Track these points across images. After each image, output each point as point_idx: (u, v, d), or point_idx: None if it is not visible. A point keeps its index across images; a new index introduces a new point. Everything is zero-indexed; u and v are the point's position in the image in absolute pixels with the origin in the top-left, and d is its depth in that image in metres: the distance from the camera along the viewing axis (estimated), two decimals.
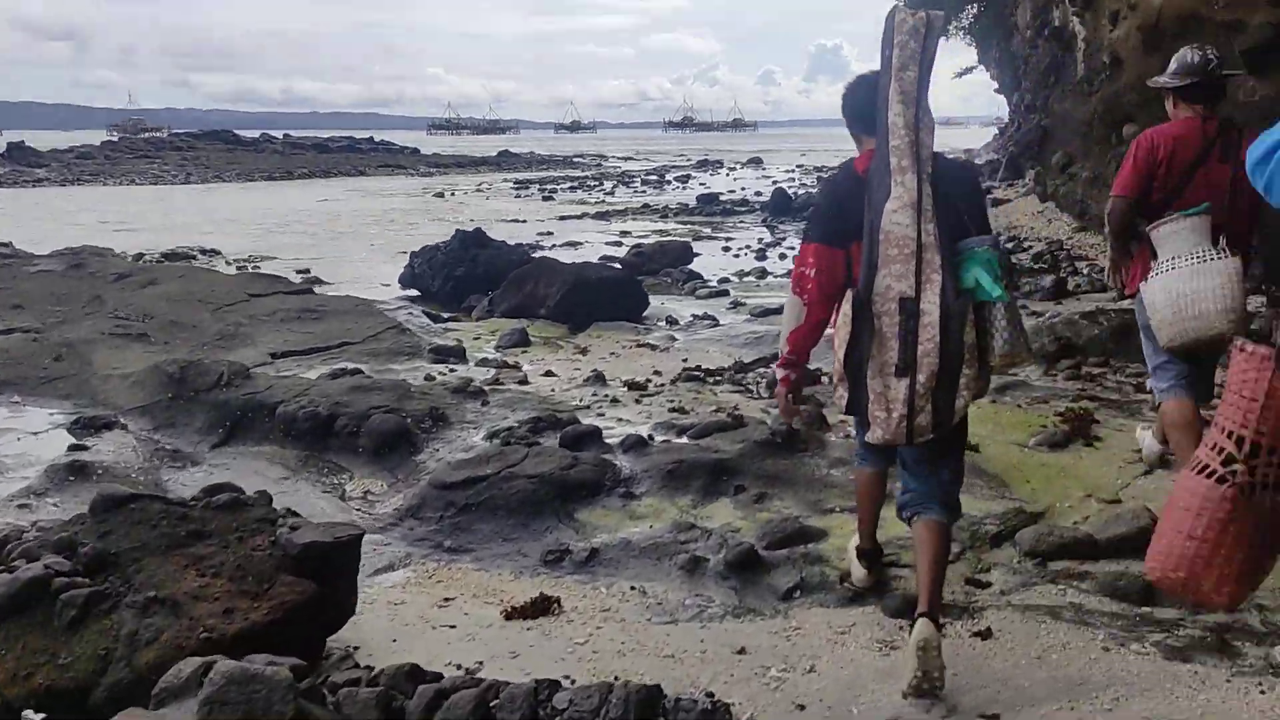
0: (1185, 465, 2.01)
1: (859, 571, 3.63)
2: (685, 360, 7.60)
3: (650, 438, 5.14)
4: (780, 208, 22.57)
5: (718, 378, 6.89)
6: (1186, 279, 3.79)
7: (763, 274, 13.80)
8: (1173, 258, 3.85)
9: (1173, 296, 3.83)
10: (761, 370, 7.05)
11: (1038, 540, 3.84)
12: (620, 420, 5.64)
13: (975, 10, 24.36)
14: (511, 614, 3.61)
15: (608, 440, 5.09)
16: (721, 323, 9.64)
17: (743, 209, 24.30)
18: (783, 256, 15.65)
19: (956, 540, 3.88)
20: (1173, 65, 4.16)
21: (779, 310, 10.46)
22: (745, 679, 3.14)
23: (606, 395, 6.28)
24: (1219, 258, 3.79)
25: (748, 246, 16.97)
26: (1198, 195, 3.92)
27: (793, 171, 42.27)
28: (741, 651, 3.31)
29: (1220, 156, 3.95)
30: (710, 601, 3.70)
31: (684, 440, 5.13)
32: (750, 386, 6.52)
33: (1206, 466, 1.90)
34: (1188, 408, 4.01)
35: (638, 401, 6.13)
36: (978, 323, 2.92)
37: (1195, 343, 3.86)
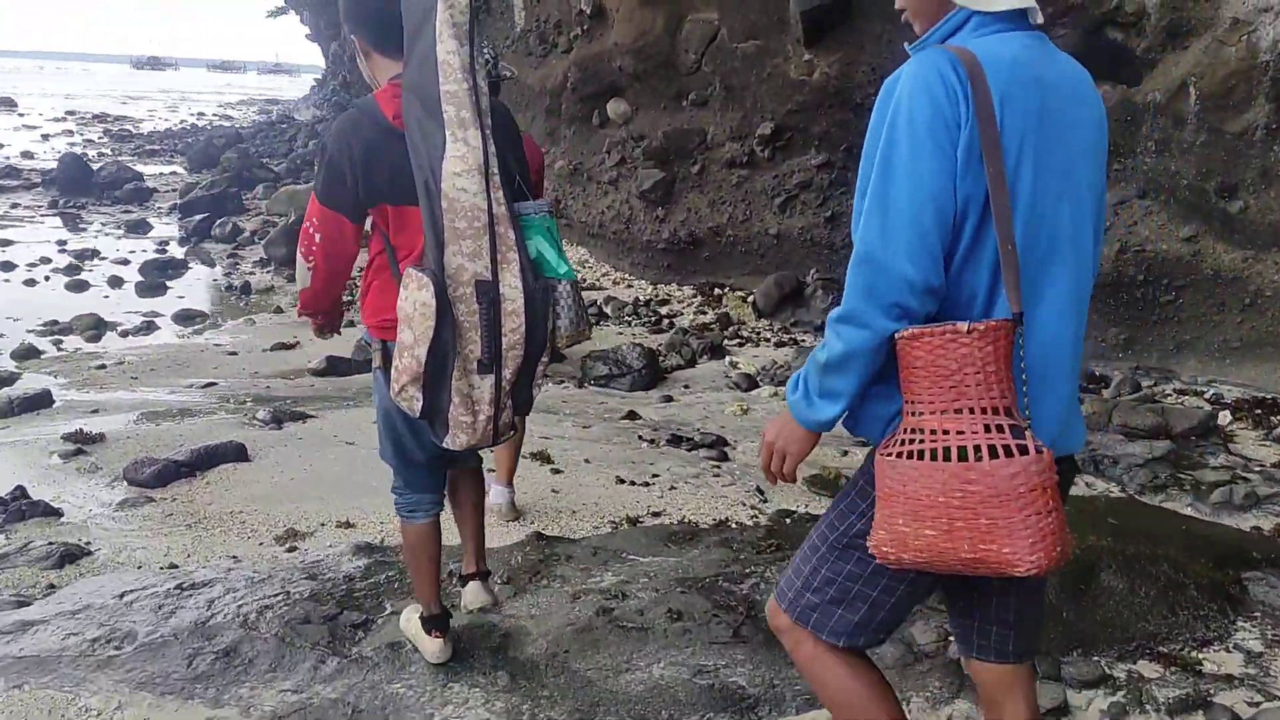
0: (974, 461, 1.55)
1: (433, 645, 2.95)
2: None
3: None
4: (77, 182, 15.62)
5: None
6: None
7: (99, 328, 7.89)
8: None
9: None
10: None
11: None
12: None
13: None
14: None
15: None
16: None
17: (12, 183, 16.59)
18: (119, 283, 9.67)
19: None
20: None
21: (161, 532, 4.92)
22: None
23: None
24: None
25: (45, 259, 10.50)
26: None
27: (65, 121, 32.96)
28: None
29: None
30: None
31: None
32: None
33: (1006, 448, 1.54)
34: None
35: None
36: None
37: None
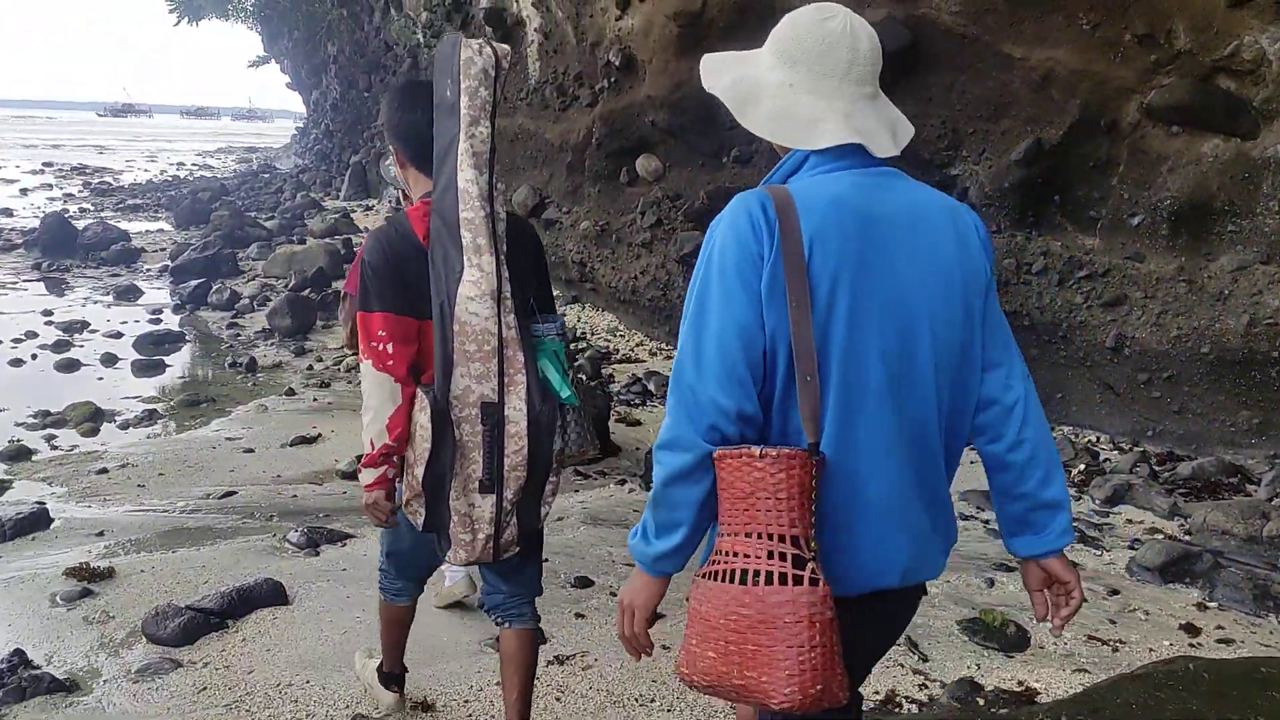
0: (750, 585, 1.54)
1: (389, 698, 3.25)
2: None
3: None
4: (61, 244, 14.85)
5: None
6: None
7: (96, 419, 7.11)
8: None
9: None
10: None
11: None
12: None
13: None
14: None
15: None
16: None
17: None
18: (113, 360, 8.87)
19: None
20: None
21: None
22: None
23: None
24: None
25: (31, 334, 9.71)
26: None
27: (43, 174, 32.16)
28: None
29: None
30: None
31: None
32: None
33: (782, 574, 1.52)
34: None
35: None
36: None
37: None
